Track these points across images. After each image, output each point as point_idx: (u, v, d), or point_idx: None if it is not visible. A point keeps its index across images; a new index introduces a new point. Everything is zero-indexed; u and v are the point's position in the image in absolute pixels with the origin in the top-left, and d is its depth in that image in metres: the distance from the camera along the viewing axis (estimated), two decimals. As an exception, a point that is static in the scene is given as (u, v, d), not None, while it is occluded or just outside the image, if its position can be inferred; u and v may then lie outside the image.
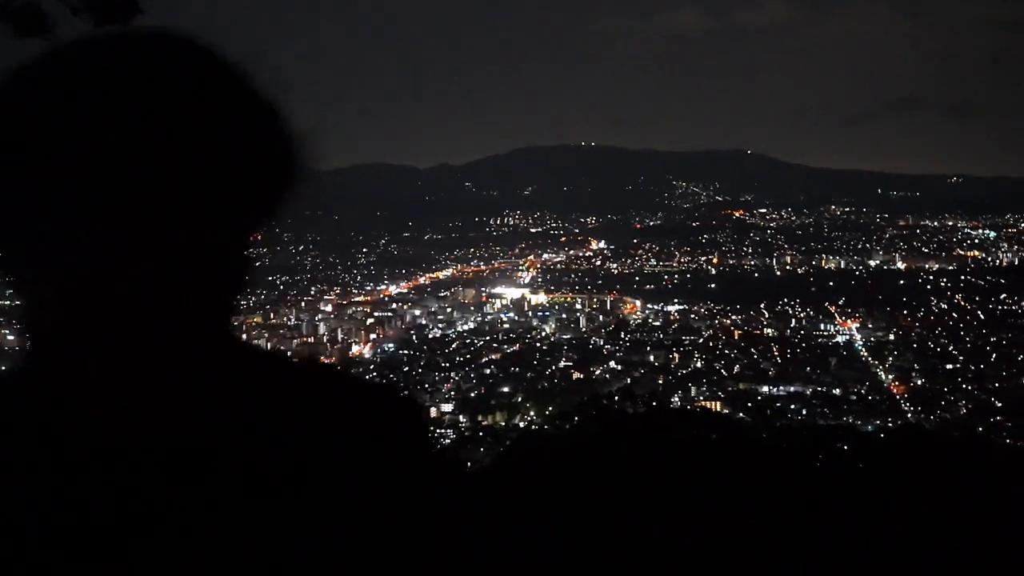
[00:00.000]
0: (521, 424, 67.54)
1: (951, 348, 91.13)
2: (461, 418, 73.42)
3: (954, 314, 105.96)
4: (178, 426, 1.24)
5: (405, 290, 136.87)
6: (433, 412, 74.86)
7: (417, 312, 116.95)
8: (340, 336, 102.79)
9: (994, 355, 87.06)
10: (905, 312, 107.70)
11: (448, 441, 67.80)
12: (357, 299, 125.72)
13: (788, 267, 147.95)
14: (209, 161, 1.18)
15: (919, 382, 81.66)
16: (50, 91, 1.17)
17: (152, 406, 1.24)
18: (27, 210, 1.16)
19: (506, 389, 79.81)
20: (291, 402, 1.36)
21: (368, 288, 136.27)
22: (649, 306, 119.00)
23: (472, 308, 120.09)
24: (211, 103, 1.20)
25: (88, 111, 1.14)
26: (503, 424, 70.56)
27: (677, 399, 71.40)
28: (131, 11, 7.70)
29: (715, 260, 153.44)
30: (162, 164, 1.15)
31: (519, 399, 76.63)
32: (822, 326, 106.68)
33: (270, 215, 1.38)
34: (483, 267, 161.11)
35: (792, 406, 70.81)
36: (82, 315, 1.20)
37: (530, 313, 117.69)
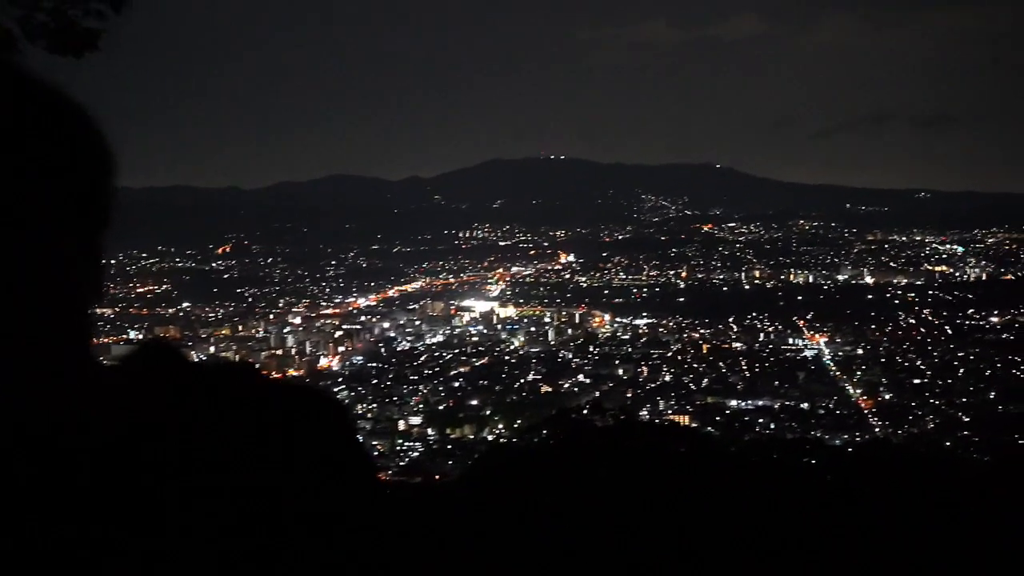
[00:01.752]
0: (490, 437, 67.66)
1: (919, 363, 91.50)
2: (429, 431, 73.55)
3: (922, 329, 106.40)
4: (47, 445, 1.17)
5: (374, 303, 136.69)
6: (401, 425, 74.99)
7: (386, 325, 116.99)
8: (308, 348, 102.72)
9: (961, 370, 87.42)
10: (873, 326, 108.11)
11: (416, 454, 68.04)
12: (326, 311, 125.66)
13: (756, 281, 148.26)
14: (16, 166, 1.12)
15: (887, 396, 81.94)
16: None
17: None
18: None
19: (475, 402, 79.94)
20: (209, 408, 1.32)
21: (337, 300, 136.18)
22: (618, 319, 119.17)
23: (441, 321, 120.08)
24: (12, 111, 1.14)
25: None
26: (472, 437, 70.74)
27: (646, 413, 71.49)
28: (87, 46, 7.72)
29: (684, 274, 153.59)
30: None
31: (488, 412, 76.78)
32: (790, 340, 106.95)
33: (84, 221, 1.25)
34: (452, 280, 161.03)
35: (760, 420, 71.06)
36: None
37: (499, 326, 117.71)
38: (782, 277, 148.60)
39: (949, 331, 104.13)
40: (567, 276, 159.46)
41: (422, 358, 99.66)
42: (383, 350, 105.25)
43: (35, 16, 7.13)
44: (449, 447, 67.61)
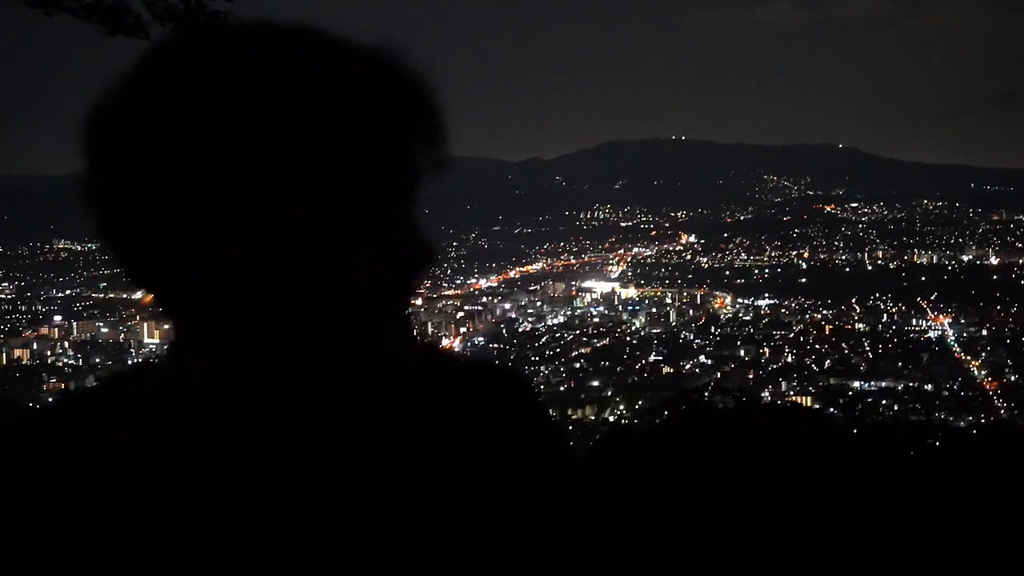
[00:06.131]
0: (611, 418, 67.63)
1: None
2: (550, 412, 73.48)
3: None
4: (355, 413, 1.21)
5: (495, 284, 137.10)
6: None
7: (507, 306, 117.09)
8: (430, 330, 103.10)
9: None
10: (998, 307, 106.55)
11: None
12: (447, 292, 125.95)
13: (880, 262, 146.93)
14: (375, 151, 1.13)
15: (1012, 378, 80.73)
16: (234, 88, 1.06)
17: (332, 395, 1.19)
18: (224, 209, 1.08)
19: (596, 383, 79.77)
20: (446, 387, 1.34)
21: (458, 282, 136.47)
22: (739, 300, 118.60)
23: (562, 302, 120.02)
24: (372, 94, 1.14)
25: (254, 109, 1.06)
26: (592, 418, 70.53)
27: (767, 394, 71.05)
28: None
29: (806, 254, 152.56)
30: (341, 155, 1.10)
31: (608, 393, 76.53)
32: (914, 321, 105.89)
33: (417, 195, 1.28)
34: (573, 261, 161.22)
35: (883, 402, 70.16)
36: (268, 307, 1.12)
37: (620, 307, 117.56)
38: (905, 258, 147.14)
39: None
40: (688, 257, 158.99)
41: (543, 339, 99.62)
42: (504, 331, 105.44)
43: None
44: (570, 428, 67.63)
